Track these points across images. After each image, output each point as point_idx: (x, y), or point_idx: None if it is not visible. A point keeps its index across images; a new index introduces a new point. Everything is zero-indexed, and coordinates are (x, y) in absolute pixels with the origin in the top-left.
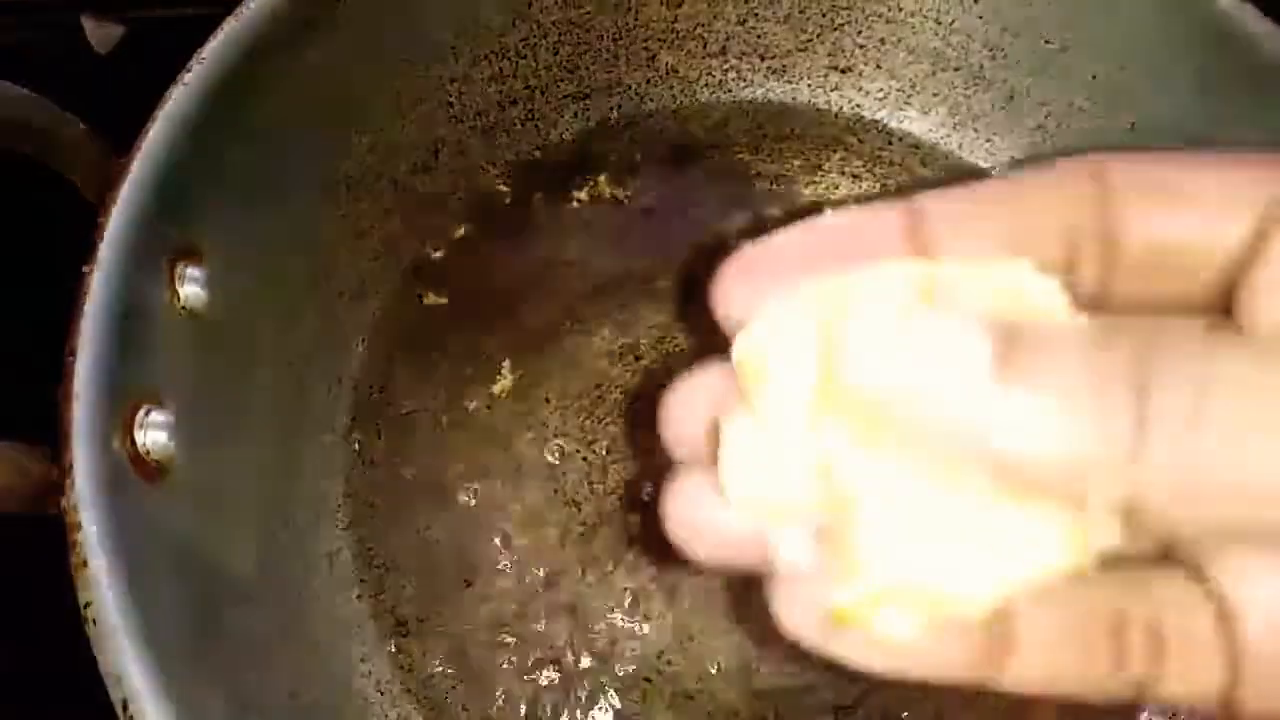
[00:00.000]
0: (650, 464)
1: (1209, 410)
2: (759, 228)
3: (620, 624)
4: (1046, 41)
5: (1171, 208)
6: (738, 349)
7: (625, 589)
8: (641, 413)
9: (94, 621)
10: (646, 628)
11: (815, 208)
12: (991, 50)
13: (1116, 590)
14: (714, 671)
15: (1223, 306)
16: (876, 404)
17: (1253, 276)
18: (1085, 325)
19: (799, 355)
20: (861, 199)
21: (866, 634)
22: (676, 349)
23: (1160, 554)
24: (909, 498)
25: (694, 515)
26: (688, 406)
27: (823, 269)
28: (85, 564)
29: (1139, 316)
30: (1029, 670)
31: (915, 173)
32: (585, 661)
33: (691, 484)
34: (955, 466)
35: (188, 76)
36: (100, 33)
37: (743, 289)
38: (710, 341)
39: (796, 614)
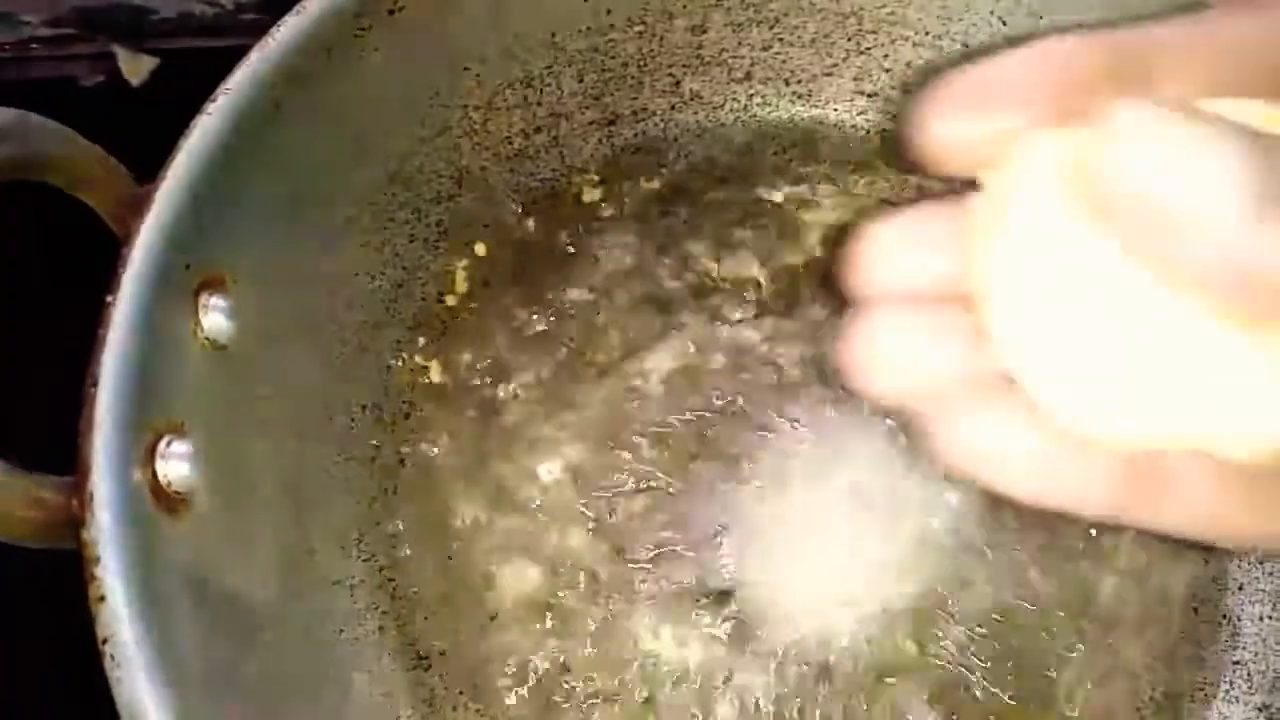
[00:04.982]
0: (676, 499)
1: None
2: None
3: (645, 659)
4: None
5: None
6: (989, 180)
7: (649, 624)
8: (669, 442)
9: (112, 656)
10: (671, 664)
11: (845, 230)
12: None
13: None
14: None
15: None
16: (1133, 216)
17: None
18: None
19: (1050, 182)
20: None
21: (1020, 461)
22: (704, 373)
23: None
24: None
25: (879, 349)
26: (885, 247)
27: (1042, 101)
28: (104, 598)
29: None
30: (1185, 512)
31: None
32: (608, 696)
33: (880, 319)
34: (1207, 294)
35: (212, 107)
36: (133, 64)
37: (962, 116)
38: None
39: (958, 445)
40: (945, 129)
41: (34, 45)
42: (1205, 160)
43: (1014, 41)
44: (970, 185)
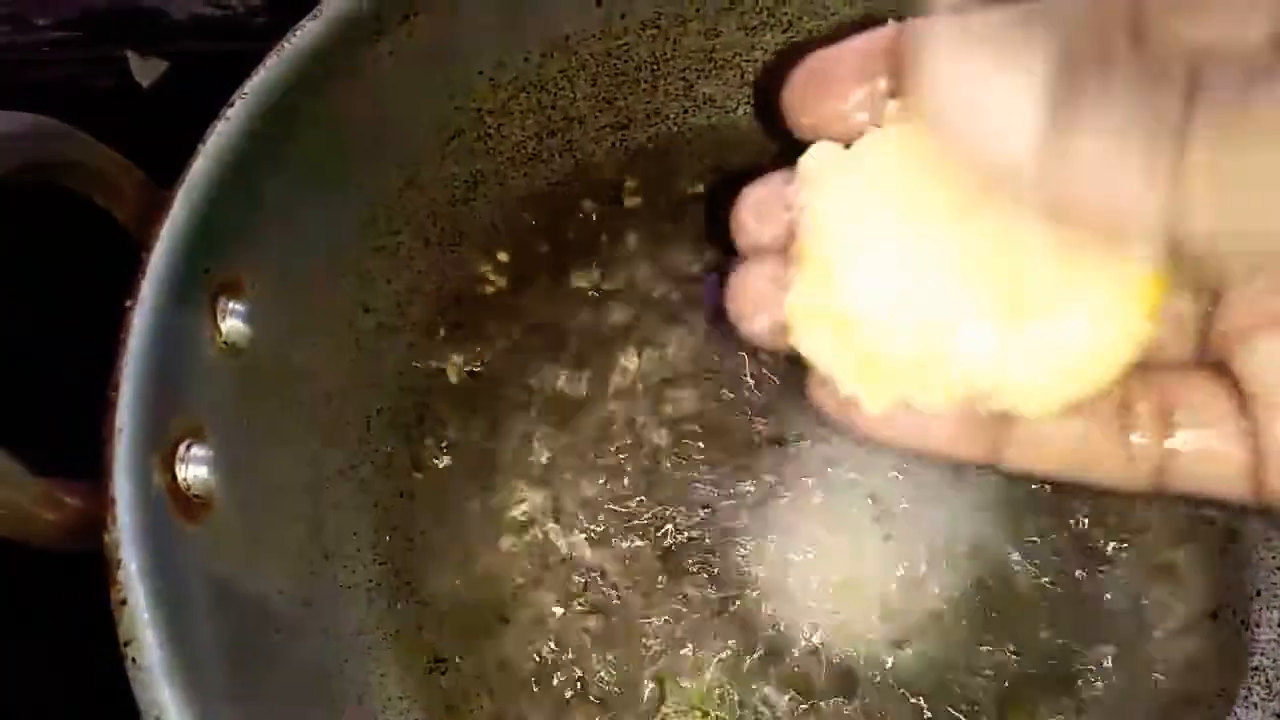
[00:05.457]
0: (693, 505)
1: (1248, 150)
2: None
3: (659, 664)
4: None
5: (1196, 11)
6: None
7: (664, 629)
8: (685, 447)
9: (134, 659)
10: (686, 669)
11: None
12: None
13: (1126, 382)
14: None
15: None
16: (940, 135)
17: None
18: (1136, 66)
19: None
20: None
21: (881, 415)
22: (721, 376)
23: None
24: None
25: (755, 296)
26: (760, 204)
27: (883, 73)
28: (125, 601)
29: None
30: (1030, 448)
31: None
32: (625, 703)
33: (757, 269)
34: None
35: (230, 112)
36: (144, 67)
37: (814, 94)
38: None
39: (827, 400)
40: (797, 103)
41: (45, 49)
42: (1010, 73)
43: None
44: None
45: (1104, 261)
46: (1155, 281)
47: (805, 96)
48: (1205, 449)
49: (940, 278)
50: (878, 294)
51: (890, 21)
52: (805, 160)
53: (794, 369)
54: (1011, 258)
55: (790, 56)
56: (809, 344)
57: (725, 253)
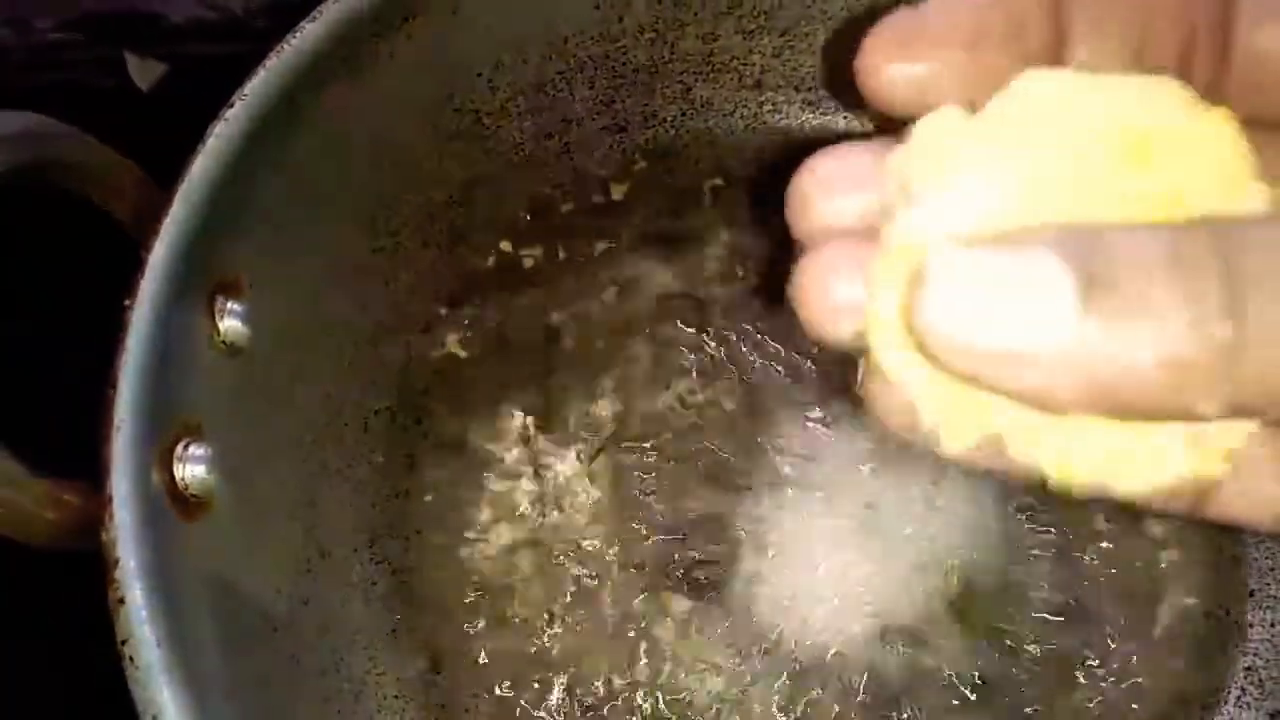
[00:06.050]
0: (690, 507)
1: None
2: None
3: (656, 664)
4: None
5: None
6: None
7: (662, 629)
8: (681, 450)
9: (131, 658)
10: (685, 667)
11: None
12: None
13: None
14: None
15: None
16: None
17: None
18: (1165, 232)
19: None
20: None
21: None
22: (715, 377)
23: None
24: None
25: (826, 290)
26: (832, 179)
27: (956, 47)
28: (123, 600)
29: (1220, 216)
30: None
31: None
32: (622, 701)
33: (827, 259)
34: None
35: (230, 113)
36: (143, 69)
37: (894, 61)
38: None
39: (890, 409)
40: (878, 69)
41: (44, 50)
42: (1024, 285)
43: None
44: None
45: None
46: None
47: (894, 52)
48: (1251, 485)
49: None
50: None
51: None
52: (923, 125)
53: (802, 373)
54: None
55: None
56: (893, 362)
57: (723, 254)
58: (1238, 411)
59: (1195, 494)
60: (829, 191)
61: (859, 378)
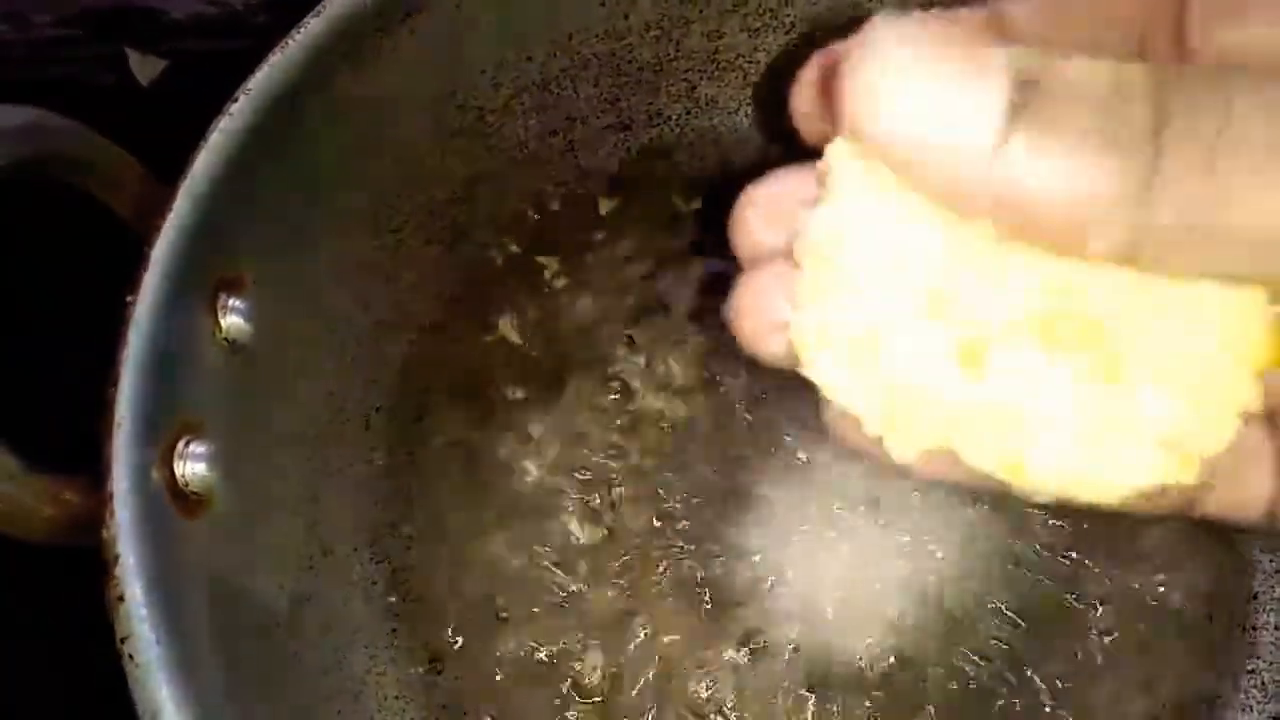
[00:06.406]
0: (691, 504)
1: (1222, 157)
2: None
3: (657, 662)
4: None
5: (1240, 15)
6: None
7: (662, 627)
8: (684, 449)
9: (131, 656)
10: (687, 669)
11: None
12: None
13: None
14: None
15: None
16: (894, 154)
17: None
18: (1105, 70)
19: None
20: None
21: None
22: (721, 378)
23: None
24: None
25: (762, 312)
26: (768, 204)
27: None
28: (122, 597)
29: (1159, 63)
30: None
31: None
32: (621, 698)
33: (767, 279)
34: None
35: (233, 108)
36: (143, 65)
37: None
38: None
39: (848, 432)
40: (801, 105)
41: (44, 46)
42: (958, 94)
43: None
44: None
45: (1211, 311)
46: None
47: (818, 99)
48: (1240, 483)
49: (999, 309)
50: (907, 312)
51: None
52: (831, 150)
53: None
54: (1098, 301)
55: (796, 56)
56: (821, 372)
57: (723, 257)
58: (1135, 254)
59: (1171, 502)
60: (765, 216)
61: (822, 413)
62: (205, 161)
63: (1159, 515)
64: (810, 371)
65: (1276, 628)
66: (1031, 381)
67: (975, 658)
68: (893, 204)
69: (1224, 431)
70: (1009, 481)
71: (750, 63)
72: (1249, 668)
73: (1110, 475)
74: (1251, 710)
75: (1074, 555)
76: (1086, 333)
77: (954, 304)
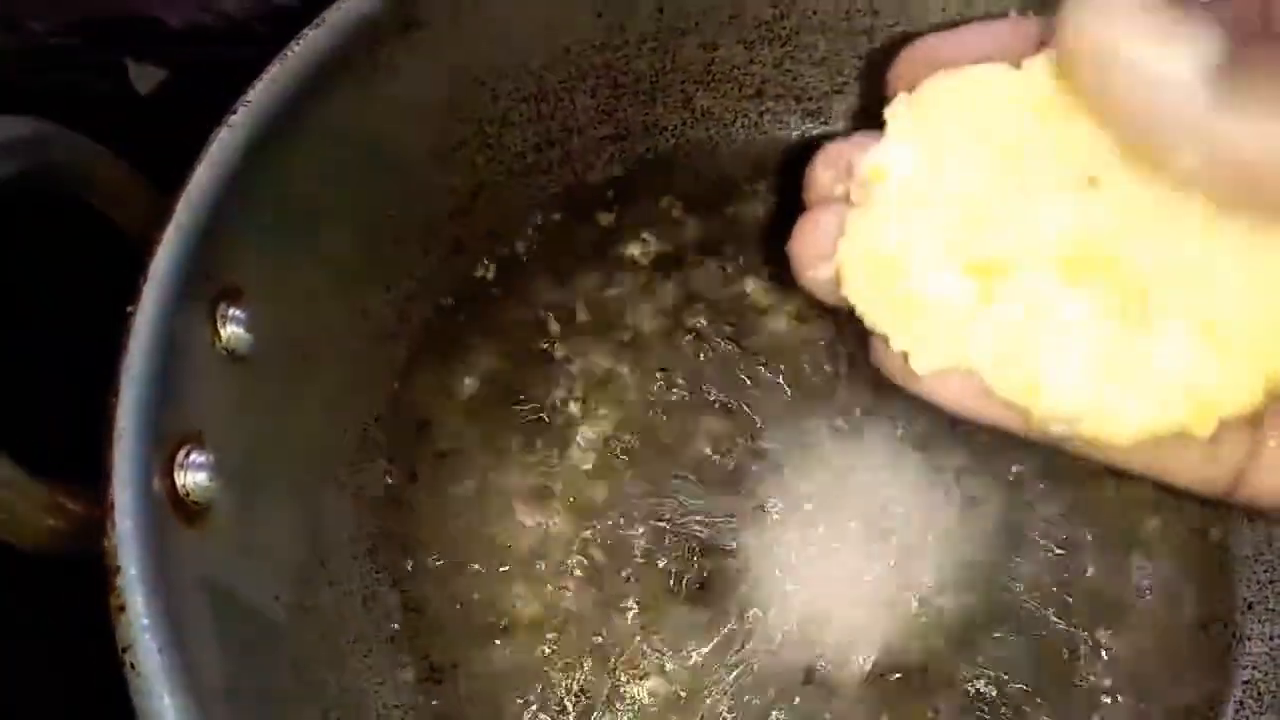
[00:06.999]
0: (690, 512)
1: None
2: None
3: (655, 674)
4: None
5: None
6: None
7: (666, 642)
8: (684, 457)
9: (132, 665)
10: (684, 681)
11: None
12: None
13: None
14: None
15: None
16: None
17: None
18: None
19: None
20: None
21: (934, 377)
22: (716, 384)
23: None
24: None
25: (815, 242)
26: (836, 157)
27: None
28: (124, 607)
29: None
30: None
31: None
32: (623, 711)
33: (823, 216)
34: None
35: (233, 119)
36: (142, 75)
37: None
38: None
39: (885, 357)
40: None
41: (42, 54)
42: (1181, 41)
43: None
44: None
45: (1258, 272)
46: None
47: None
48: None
49: (1023, 241)
50: (929, 236)
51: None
52: (891, 108)
53: (803, 379)
54: (1137, 245)
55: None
56: (855, 291)
57: (722, 260)
58: None
59: (1215, 475)
60: (832, 165)
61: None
62: (204, 172)
63: (1194, 496)
64: (846, 290)
65: (1271, 637)
66: (1049, 309)
67: (969, 664)
68: (940, 149)
69: (1248, 395)
70: (1027, 408)
71: (746, 74)
72: (1244, 678)
73: (1124, 411)
74: None
75: (1068, 569)
76: (1112, 270)
77: (980, 232)
